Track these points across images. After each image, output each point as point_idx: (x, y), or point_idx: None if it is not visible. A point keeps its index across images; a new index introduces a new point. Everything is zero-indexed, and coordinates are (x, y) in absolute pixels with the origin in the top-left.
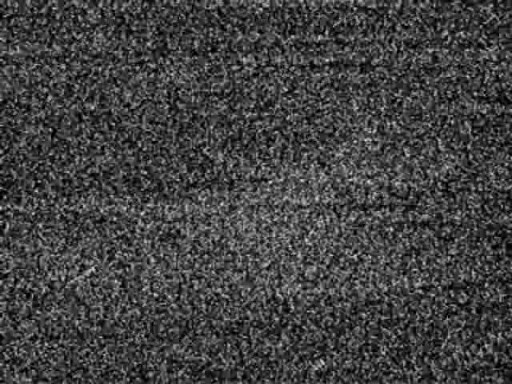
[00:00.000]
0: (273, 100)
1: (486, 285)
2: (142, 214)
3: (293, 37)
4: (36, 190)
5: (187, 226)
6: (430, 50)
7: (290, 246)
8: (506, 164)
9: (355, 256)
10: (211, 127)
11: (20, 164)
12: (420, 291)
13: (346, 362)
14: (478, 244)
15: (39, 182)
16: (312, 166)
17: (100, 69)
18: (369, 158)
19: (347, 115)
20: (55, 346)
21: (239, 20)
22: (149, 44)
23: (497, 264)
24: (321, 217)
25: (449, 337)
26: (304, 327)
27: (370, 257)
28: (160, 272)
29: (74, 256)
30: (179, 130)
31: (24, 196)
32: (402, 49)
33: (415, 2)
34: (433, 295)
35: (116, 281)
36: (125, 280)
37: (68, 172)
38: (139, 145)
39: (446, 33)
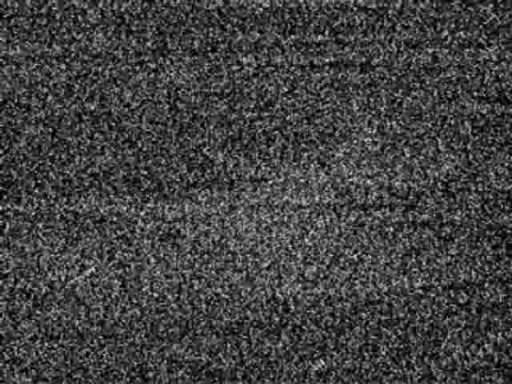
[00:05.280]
0: (273, 100)
1: (486, 285)
2: (142, 214)
3: (293, 37)
4: (36, 190)
5: (187, 226)
6: (430, 50)
7: (290, 246)
8: (506, 164)
9: (355, 256)
10: (211, 127)
11: (20, 164)
12: (420, 291)
13: (346, 362)
14: (478, 244)
15: (39, 181)
16: (312, 166)
17: (100, 69)
18: (369, 158)
19: (347, 115)
20: (55, 345)
21: (239, 20)
22: (149, 44)
23: (497, 264)
24: (321, 217)
25: (449, 337)
26: (304, 327)
27: (370, 257)
28: (160, 272)
29: (74, 256)
30: (179, 130)
31: (24, 196)
32: (402, 49)
33: (415, 2)
34: (433, 295)
35: (116, 281)
36: (125, 280)
37: (68, 172)
38: (139, 145)
39: (446, 33)
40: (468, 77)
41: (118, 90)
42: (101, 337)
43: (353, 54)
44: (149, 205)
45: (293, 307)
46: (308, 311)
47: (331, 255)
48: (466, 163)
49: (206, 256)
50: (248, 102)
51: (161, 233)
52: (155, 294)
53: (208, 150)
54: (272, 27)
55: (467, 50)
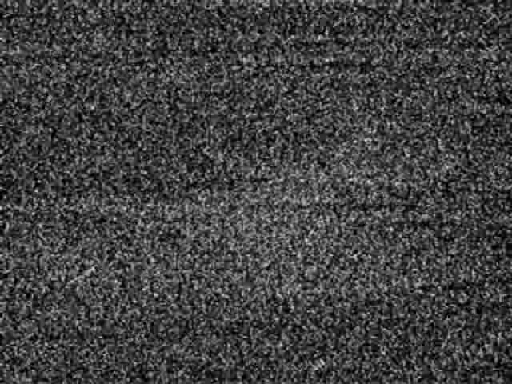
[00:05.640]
0: (273, 100)
1: (486, 285)
2: (142, 214)
3: (293, 37)
4: (36, 190)
5: (187, 226)
6: (430, 50)
7: (290, 246)
8: (506, 164)
9: (355, 256)
10: (211, 127)
11: (20, 164)
12: (420, 291)
13: (346, 361)
14: (478, 244)
15: (39, 181)
16: (312, 166)
17: (100, 69)
18: (369, 158)
19: (347, 115)
20: (55, 345)
21: (239, 20)
22: (149, 44)
23: (497, 264)
24: (321, 217)
25: (449, 337)
26: (304, 327)
27: (370, 257)
28: (160, 272)
29: (74, 256)
30: (179, 130)
31: (24, 196)
32: (402, 49)
33: (415, 2)
34: (433, 295)
35: (116, 281)
36: (125, 280)
37: (68, 172)
38: (139, 145)
39: (446, 33)
40: (468, 77)
41: (118, 89)
42: (101, 337)
43: (353, 54)
44: (149, 205)
45: (293, 307)
46: (308, 311)
47: (331, 255)
48: (465, 163)
49: (206, 256)
50: (248, 102)
51: (161, 233)
52: (155, 294)
53: (208, 150)
54: (272, 27)
55: (467, 50)
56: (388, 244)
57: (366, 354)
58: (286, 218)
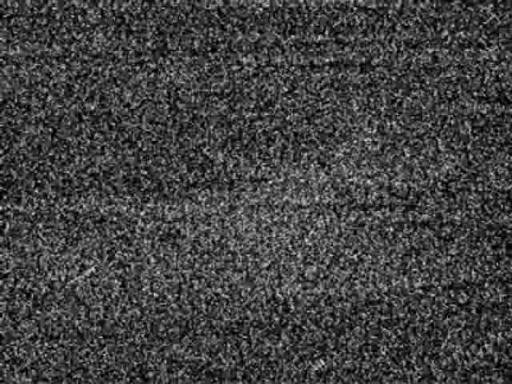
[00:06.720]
0: (273, 100)
1: (486, 285)
2: (142, 214)
3: (293, 37)
4: (36, 190)
5: (187, 226)
6: (430, 50)
7: (290, 246)
8: (506, 164)
9: (355, 256)
10: (211, 127)
11: (20, 164)
12: (420, 291)
13: (346, 362)
14: (478, 244)
15: (39, 181)
16: (312, 166)
17: (100, 69)
18: (369, 158)
19: (347, 115)
20: (55, 345)
21: (239, 20)
22: (149, 44)
23: (497, 264)
24: (321, 217)
25: (449, 337)
26: (304, 327)
27: (370, 257)
28: (160, 272)
29: (74, 256)
30: (179, 130)
31: (24, 196)
32: (402, 49)
33: (415, 2)
34: (433, 295)
35: (116, 281)
36: (125, 280)
37: (68, 172)
38: (139, 145)
39: (446, 33)
40: (468, 77)
41: (118, 89)
42: (101, 337)
43: (353, 54)
44: (149, 205)
45: (293, 307)
46: (308, 311)
47: (331, 255)
48: (465, 163)
49: (206, 256)
50: (248, 102)
51: (161, 233)
52: (155, 294)
53: (208, 150)
54: (272, 27)
55: (467, 50)
56: (388, 244)
57: (366, 354)
58: (286, 218)
